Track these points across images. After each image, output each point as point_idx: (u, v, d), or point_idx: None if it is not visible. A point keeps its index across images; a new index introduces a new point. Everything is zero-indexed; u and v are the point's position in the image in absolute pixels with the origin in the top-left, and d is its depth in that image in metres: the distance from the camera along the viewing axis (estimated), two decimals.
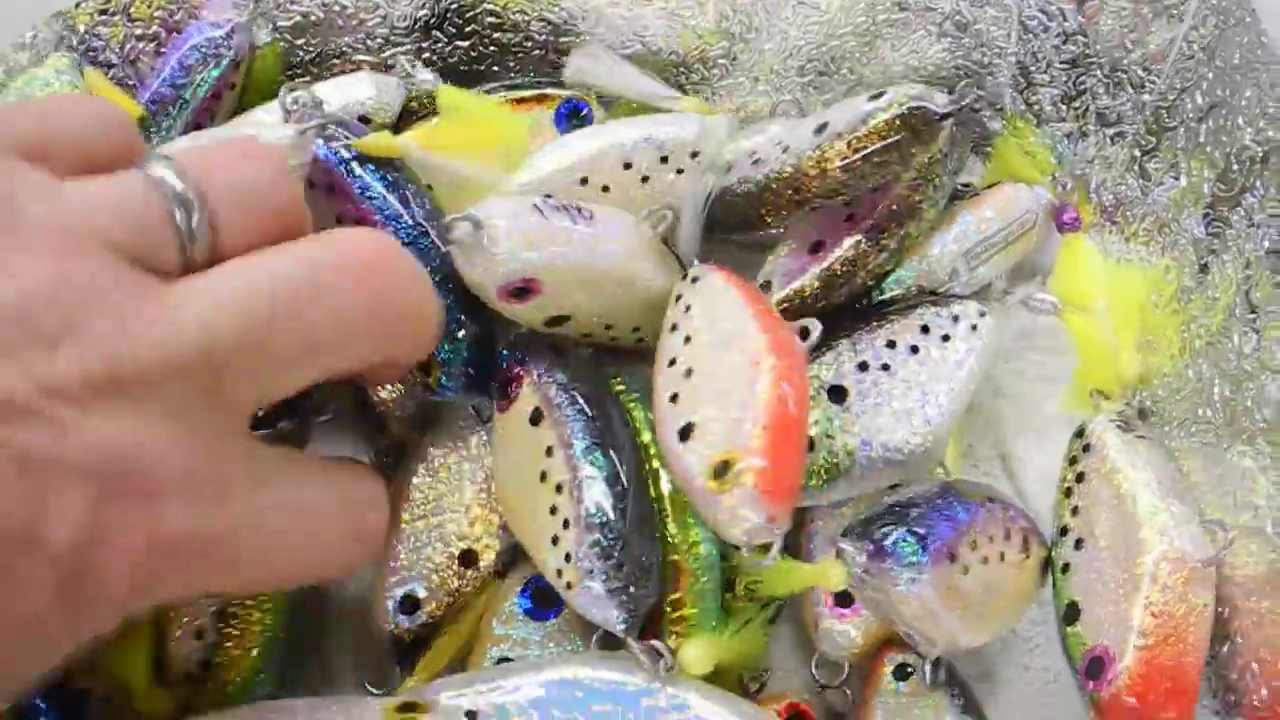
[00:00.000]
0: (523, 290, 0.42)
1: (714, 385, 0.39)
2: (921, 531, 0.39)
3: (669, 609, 0.42)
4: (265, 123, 0.48)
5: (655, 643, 0.39)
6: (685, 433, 0.39)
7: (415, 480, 0.45)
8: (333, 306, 0.33)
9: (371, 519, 0.38)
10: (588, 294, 0.44)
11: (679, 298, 0.45)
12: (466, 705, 0.38)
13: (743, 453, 0.36)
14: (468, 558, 0.44)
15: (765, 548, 0.37)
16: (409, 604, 0.43)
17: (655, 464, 0.43)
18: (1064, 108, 0.52)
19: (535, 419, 0.42)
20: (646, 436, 0.44)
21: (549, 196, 0.44)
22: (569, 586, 0.39)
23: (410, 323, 0.37)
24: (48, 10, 0.50)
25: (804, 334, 0.41)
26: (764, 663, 0.45)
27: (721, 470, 0.37)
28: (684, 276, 0.46)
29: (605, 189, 0.49)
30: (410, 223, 0.44)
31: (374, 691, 0.42)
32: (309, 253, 0.34)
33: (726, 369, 0.39)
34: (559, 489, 0.40)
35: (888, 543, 0.38)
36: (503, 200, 0.43)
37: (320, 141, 0.45)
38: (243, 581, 0.35)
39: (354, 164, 0.44)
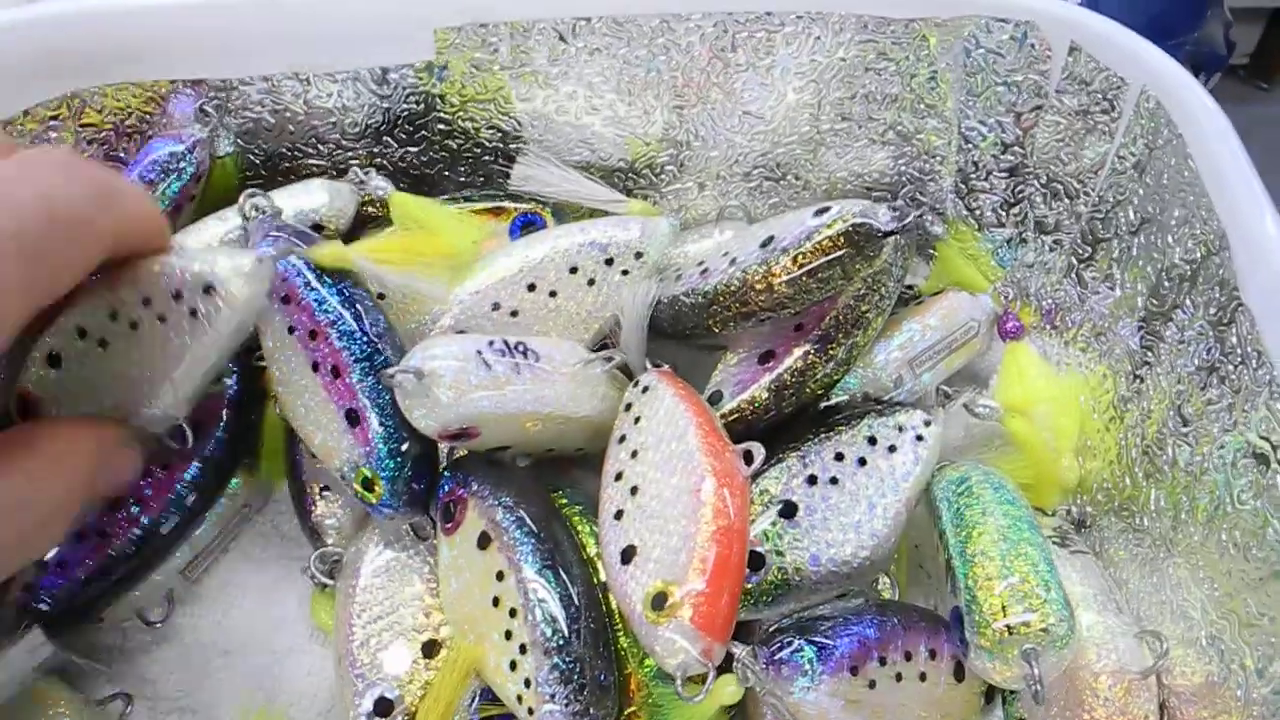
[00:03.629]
0: (461, 434, 0.42)
1: (657, 509, 0.40)
2: (822, 642, 0.39)
3: None
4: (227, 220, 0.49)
5: None
6: (628, 555, 0.39)
7: (362, 584, 0.45)
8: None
9: None
10: (528, 433, 0.44)
11: (629, 406, 0.45)
12: None
13: (679, 586, 0.37)
14: (430, 648, 0.44)
15: (700, 679, 0.38)
16: (382, 706, 0.42)
17: (604, 577, 0.43)
18: (1004, 214, 0.53)
19: (483, 543, 0.42)
20: (593, 549, 0.44)
21: (492, 342, 0.44)
22: (530, 712, 0.39)
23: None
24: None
25: (748, 458, 0.42)
26: None
27: (659, 601, 0.37)
28: (635, 383, 0.46)
29: (553, 294, 0.50)
30: (364, 339, 0.44)
31: None
32: None
33: (670, 492, 0.40)
34: (513, 613, 0.40)
35: (785, 653, 0.39)
36: (446, 343, 0.43)
37: (316, 287, 0.45)
38: None
39: (309, 275, 0.45)
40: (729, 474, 0.40)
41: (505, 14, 0.50)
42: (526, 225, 0.53)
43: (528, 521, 0.42)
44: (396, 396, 0.42)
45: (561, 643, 0.39)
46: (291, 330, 0.45)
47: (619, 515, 0.41)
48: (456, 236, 0.50)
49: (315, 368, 0.44)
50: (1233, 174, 0.41)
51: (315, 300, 0.45)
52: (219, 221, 0.50)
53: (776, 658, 0.39)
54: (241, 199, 0.48)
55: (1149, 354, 0.45)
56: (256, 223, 0.48)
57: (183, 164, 0.50)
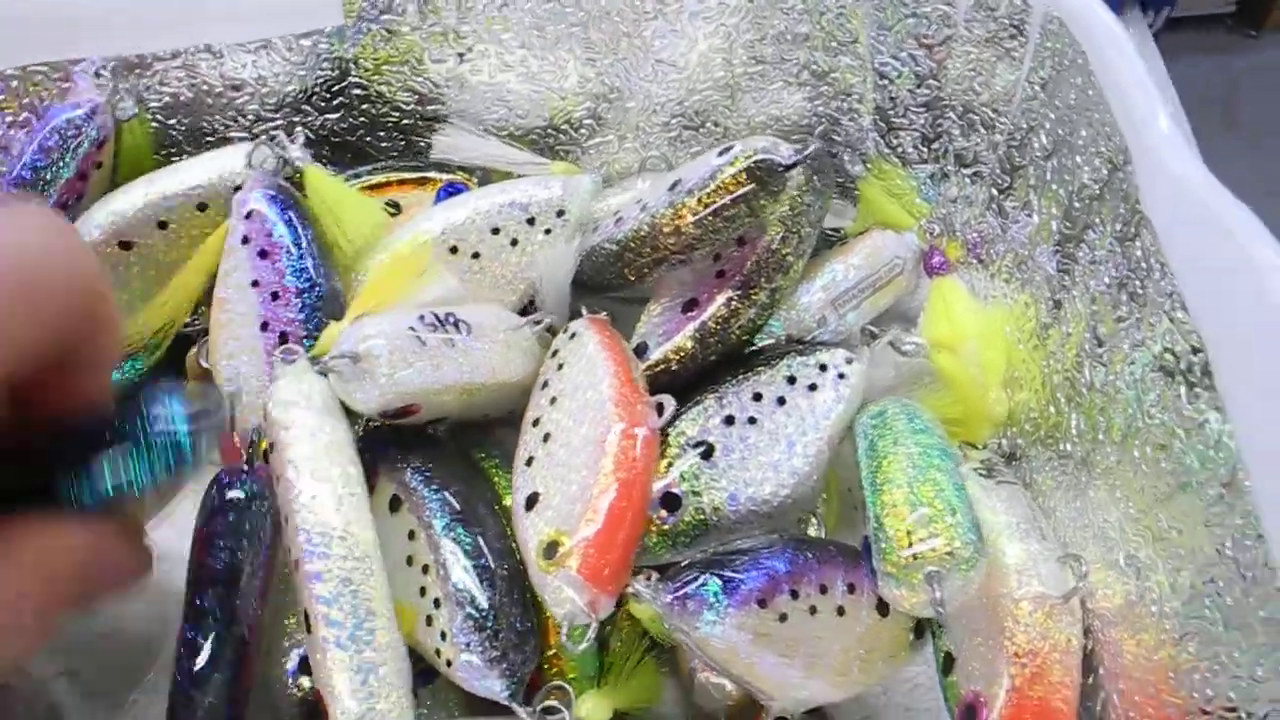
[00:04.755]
0: (401, 413, 0.42)
1: (564, 457, 0.40)
2: (729, 576, 0.39)
3: (546, 666, 0.42)
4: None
5: (551, 703, 0.40)
6: (531, 502, 0.39)
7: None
8: None
9: None
10: (463, 403, 0.44)
11: (555, 353, 0.45)
12: None
13: (570, 536, 0.37)
14: None
15: (585, 630, 0.38)
16: (307, 665, 0.41)
17: None
18: (924, 150, 0.52)
19: (394, 505, 0.42)
20: (509, 500, 0.44)
21: (423, 316, 0.43)
22: (449, 664, 0.39)
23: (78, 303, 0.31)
24: None
25: (661, 410, 0.42)
26: (656, 704, 0.45)
27: (551, 550, 0.37)
28: (564, 329, 0.46)
29: (476, 255, 0.49)
30: (315, 317, 0.46)
31: None
32: None
33: (579, 440, 0.40)
34: (425, 570, 0.40)
35: (690, 587, 0.38)
36: (377, 322, 0.42)
37: (278, 217, 0.47)
38: None
39: (290, 241, 0.47)
40: (636, 424, 0.40)
41: None
42: (453, 195, 0.53)
43: (435, 480, 0.42)
44: (332, 382, 0.41)
45: (472, 594, 0.39)
46: (255, 284, 0.46)
47: (529, 462, 0.41)
48: (362, 215, 0.50)
49: (265, 327, 0.46)
50: (1130, 85, 0.40)
51: (290, 265, 0.46)
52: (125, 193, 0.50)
53: (681, 593, 0.39)
54: (251, 146, 0.49)
55: (1065, 278, 0.45)
56: (258, 173, 0.48)
57: (82, 129, 0.50)
